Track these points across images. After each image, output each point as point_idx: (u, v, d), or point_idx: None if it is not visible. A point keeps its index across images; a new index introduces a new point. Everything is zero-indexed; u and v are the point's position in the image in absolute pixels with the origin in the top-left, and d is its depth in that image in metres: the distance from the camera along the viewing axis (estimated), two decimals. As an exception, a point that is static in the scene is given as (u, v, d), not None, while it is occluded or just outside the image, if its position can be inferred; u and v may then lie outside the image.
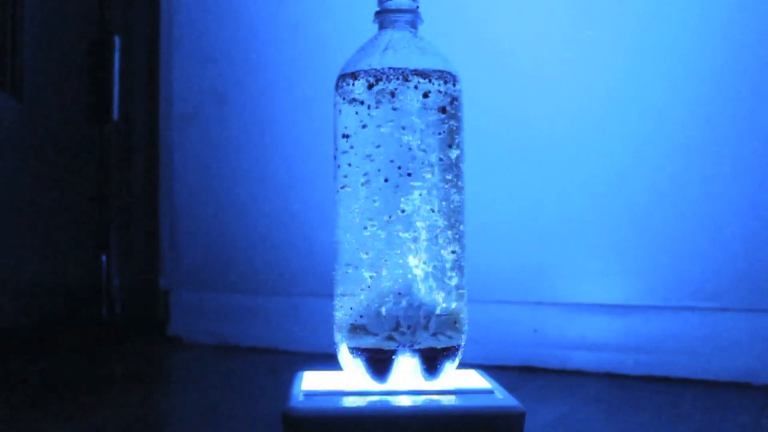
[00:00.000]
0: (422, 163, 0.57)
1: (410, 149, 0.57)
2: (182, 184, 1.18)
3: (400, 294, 0.56)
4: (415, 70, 0.57)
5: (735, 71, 0.84)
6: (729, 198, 0.83)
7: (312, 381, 0.60)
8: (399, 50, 0.58)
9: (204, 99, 1.16)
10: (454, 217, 0.58)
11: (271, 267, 1.09)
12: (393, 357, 0.56)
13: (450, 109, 0.58)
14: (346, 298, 0.57)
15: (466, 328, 0.58)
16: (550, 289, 0.91)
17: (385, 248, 0.56)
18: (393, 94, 0.57)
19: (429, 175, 0.57)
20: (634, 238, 0.88)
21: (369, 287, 0.56)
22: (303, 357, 0.99)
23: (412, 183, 0.56)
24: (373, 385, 0.57)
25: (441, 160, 0.57)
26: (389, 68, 0.57)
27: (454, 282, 0.57)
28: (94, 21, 1.15)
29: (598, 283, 0.89)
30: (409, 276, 0.56)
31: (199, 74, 1.17)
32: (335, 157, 0.60)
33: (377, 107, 0.57)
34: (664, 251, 0.86)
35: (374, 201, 0.57)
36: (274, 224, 1.09)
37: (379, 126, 0.57)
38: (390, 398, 0.55)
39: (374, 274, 0.56)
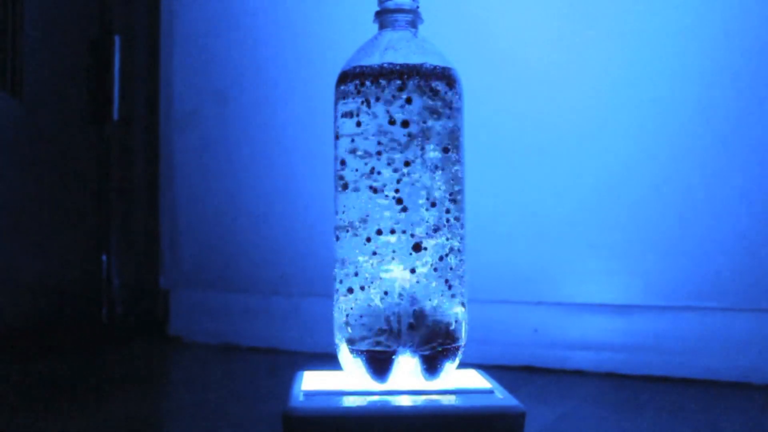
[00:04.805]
0: (422, 162, 0.57)
1: (410, 148, 0.57)
2: (182, 184, 1.18)
3: (400, 294, 0.56)
4: (416, 70, 0.57)
5: (735, 70, 0.84)
6: (729, 198, 0.83)
7: (312, 381, 0.60)
8: (399, 50, 0.58)
9: (204, 99, 1.16)
10: (454, 216, 0.58)
11: (271, 267, 1.09)
12: (393, 357, 0.56)
13: (450, 109, 0.58)
14: (346, 298, 0.57)
15: (466, 328, 0.58)
16: (550, 289, 0.91)
17: (385, 248, 0.56)
18: (393, 94, 0.57)
19: (429, 175, 0.57)
20: (634, 238, 0.88)
21: (369, 287, 0.56)
22: (303, 357, 0.99)
23: (411, 183, 0.56)
24: (373, 385, 0.57)
25: (441, 159, 0.57)
26: (389, 67, 0.57)
27: (454, 281, 0.57)
28: (94, 21, 1.15)
29: (598, 283, 0.89)
30: (409, 276, 0.56)
31: (199, 74, 1.17)
32: (335, 157, 0.60)
33: (377, 106, 0.57)
34: (664, 251, 0.86)
35: (373, 200, 0.57)
36: (274, 224, 1.09)
37: (378, 125, 0.57)
38: (390, 398, 0.55)
39: (374, 274, 0.56)
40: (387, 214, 0.56)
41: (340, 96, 0.59)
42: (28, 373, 0.89)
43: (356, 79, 0.58)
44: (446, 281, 0.57)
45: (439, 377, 0.57)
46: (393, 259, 0.56)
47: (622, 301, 0.88)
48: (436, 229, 0.57)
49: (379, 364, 0.56)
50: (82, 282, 1.13)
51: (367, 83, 0.57)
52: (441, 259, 0.57)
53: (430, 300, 0.56)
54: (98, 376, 0.90)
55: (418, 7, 0.60)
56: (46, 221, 1.07)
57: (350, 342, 0.57)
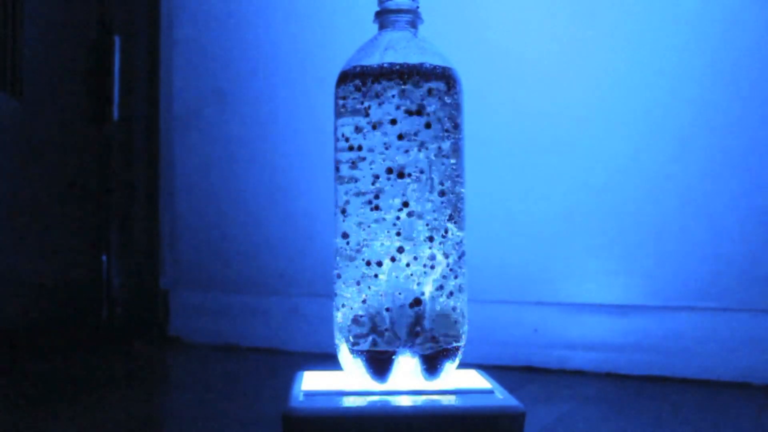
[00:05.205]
0: (422, 162, 0.57)
1: (410, 149, 0.56)
2: (182, 184, 1.18)
3: (400, 294, 0.56)
4: (416, 70, 0.57)
5: (735, 71, 0.84)
6: (729, 198, 0.83)
7: (312, 381, 0.60)
8: (399, 50, 0.58)
9: (204, 99, 1.16)
10: (454, 217, 0.58)
11: (271, 267, 1.09)
12: (393, 357, 0.56)
13: (450, 109, 0.58)
14: (346, 298, 0.57)
15: (466, 328, 0.58)
16: (550, 289, 0.91)
17: (385, 248, 0.56)
18: (393, 94, 0.57)
19: (428, 175, 0.57)
20: (634, 238, 0.88)
21: (369, 287, 0.56)
22: (303, 357, 0.99)
23: (411, 183, 0.56)
24: (373, 385, 0.57)
25: (441, 159, 0.57)
26: (389, 67, 0.57)
27: (454, 282, 0.57)
28: (94, 21, 1.15)
29: (598, 283, 0.89)
30: (409, 276, 0.56)
31: (199, 74, 1.17)
32: (335, 157, 0.60)
33: (377, 107, 0.57)
34: (664, 251, 0.86)
35: (373, 201, 0.56)
36: (274, 224, 1.09)
37: (378, 125, 0.57)
38: (390, 398, 0.55)
39: (374, 275, 0.56)
40: (386, 215, 0.56)
41: (340, 96, 0.59)
42: (28, 373, 0.89)
43: (356, 79, 0.58)
44: (447, 281, 0.57)
45: (439, 377, 0.57)
46: (393, 259, 0.56)
47: (622, 301, 0.88)
48: (436, 230, 0.57)
49: (379, 364, 0.56)
50: (82, 282, 1.13)
51: (368, 84, 0.57)
52: (441, 259, 0.57)
53: (430, 300, 0.56)
54: (98, 376, 0.90)
55: (418, 7, 0.60)
56: (46, 221, 1.07)
57: (350, 342, 0.57)
